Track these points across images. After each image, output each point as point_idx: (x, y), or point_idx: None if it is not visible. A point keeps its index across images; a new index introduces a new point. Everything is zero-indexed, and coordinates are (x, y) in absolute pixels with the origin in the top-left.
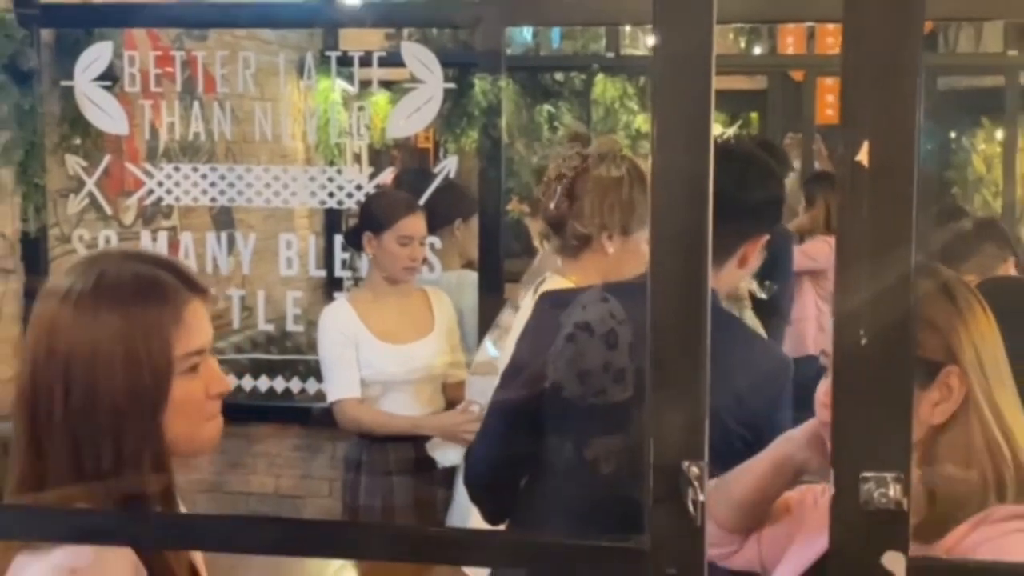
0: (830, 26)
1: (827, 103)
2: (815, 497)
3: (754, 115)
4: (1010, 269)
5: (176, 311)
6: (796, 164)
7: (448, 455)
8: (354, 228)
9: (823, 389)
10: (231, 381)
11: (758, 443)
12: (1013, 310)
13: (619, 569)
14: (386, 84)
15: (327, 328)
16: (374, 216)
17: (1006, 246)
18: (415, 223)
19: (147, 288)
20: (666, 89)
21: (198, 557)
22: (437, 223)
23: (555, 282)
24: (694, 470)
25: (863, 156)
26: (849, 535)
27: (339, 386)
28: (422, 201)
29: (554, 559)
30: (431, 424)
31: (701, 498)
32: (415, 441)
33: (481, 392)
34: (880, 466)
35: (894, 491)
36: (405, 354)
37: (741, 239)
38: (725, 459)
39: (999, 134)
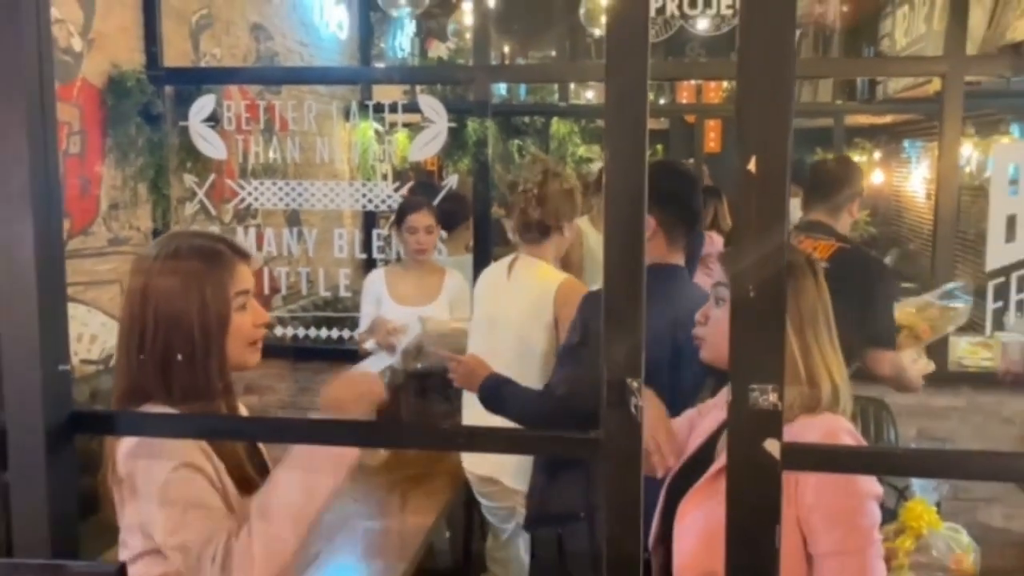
0: (712, 84)
1: (711, 138)
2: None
3: (660, 147)
4: None
5: (229, 268)
6: None
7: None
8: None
9: (700, 311)
10: (300, 332)
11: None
12: (850, 273)
13: (582, 453)
14: (406, 125)
15: (364, 286)
16: (396, 214)
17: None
18: (419, 218)
19: (208, 253)
20: (617, 121)
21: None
22: (451, 223)
23: (528, 260)
24: (635, 384)
25: (752, 166)
26: (742, 429)
27: (361, 326)
28: (435, 203)
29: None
30: (372, 326)
31: (640, 403)
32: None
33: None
34: (762, 380)
35: (772, 397)
36: (409, 314)
37: (689, 226)
38: (676, 362)
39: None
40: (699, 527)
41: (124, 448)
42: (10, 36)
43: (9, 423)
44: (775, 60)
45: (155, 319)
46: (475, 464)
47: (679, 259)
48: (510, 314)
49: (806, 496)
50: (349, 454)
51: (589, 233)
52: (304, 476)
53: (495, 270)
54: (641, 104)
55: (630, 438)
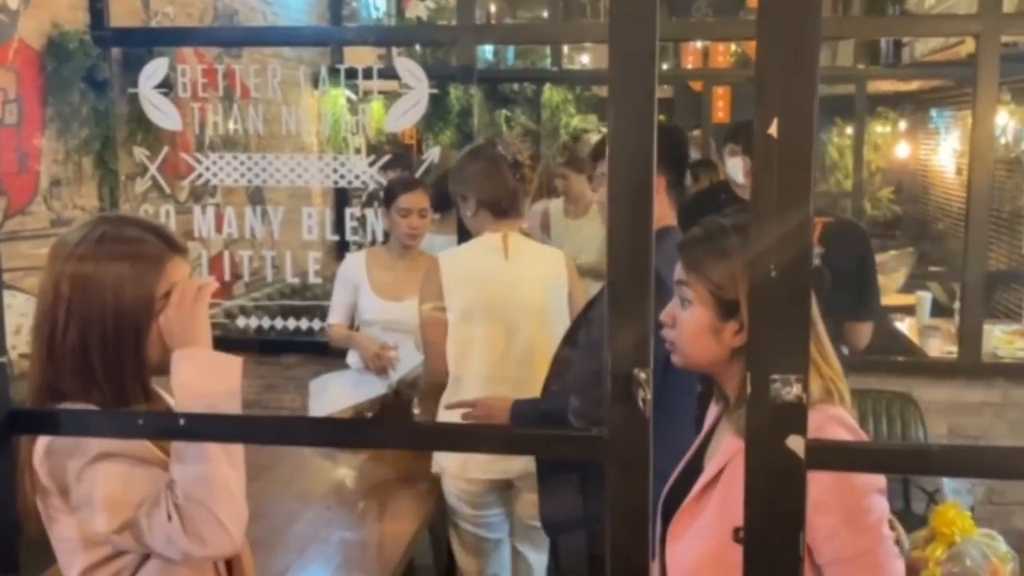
0: (720, 46)
1: (719, 107)
2: None
3: (663, 117)
4: None
5: (157, 264)
6: (696, 154)
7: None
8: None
9: (666, 311)
10: (265, 323)
11: None
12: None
13: (586, 453)
14: (381, 93)
15: (340, 270)
16: (385, 194)
17: None
18: (412, 198)
19: (134, 244)
20: (622, 86)
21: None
22: (443, 204)
23: (518, 236)
24: (642, 375)
25: (774, 129)
26: (762, 424)
27: (332, 314)
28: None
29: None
30: (360, 342)
31: (648, 397)
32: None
33: None
34: (785, 370)
35: (796, 389)
36: (390, 309)
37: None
38: None
39: (849, 130)
40: (697, 542)
41: (38, 454)
42: None
43: None
44: (800, 6)
45: (68, 313)
46: (487, 469)
47: (674, 220)
48: (523, 294)
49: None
50: (235, 376)
51: (556, 218)
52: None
53: (484, 252)
54: (649, 67)
55: (638, 434)
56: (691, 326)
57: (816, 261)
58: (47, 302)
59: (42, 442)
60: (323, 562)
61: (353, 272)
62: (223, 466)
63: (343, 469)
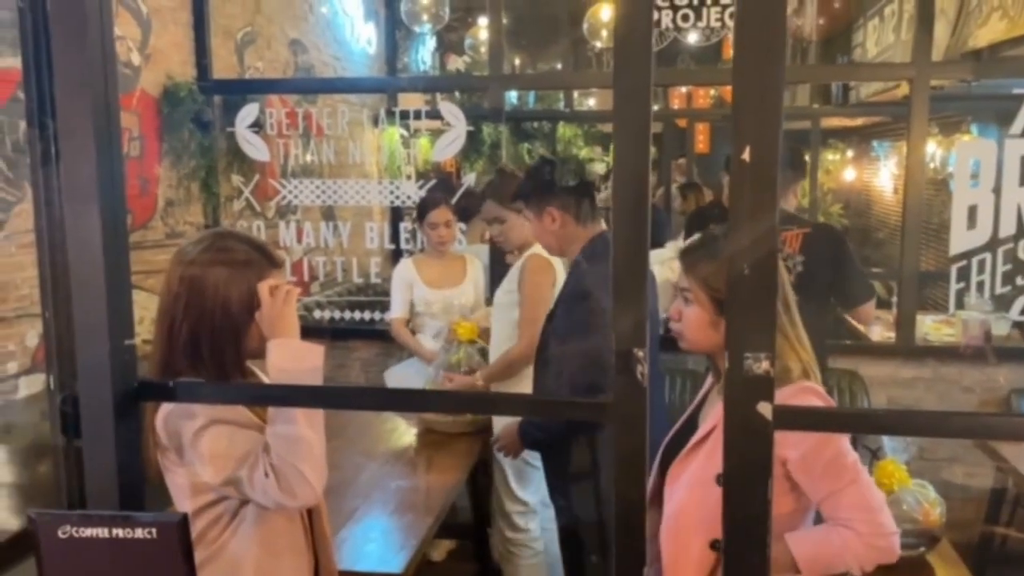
0: (700, 91)
1: (700, 140)
2: None
3: (654, 148)
4: None
5: (259, 276)
6: (681, 178)
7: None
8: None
9: (673, 308)
10: (336, 315)
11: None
12: (822, 251)
13: (594, 416)
14: (427, 130)
15: (395, 274)
16: (418, 211)
17: None
18: (438, 214)
19: (242, 259)
20: (624, 121)
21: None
22: (468, 216)
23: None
24: (640, 353)
25: (746, 155)
26: (738, 393)
27: (393, 310)
28: (453, 201)
29: (551, 410)
30: (422, 353)
31: (645, 371)
32: None
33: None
34: (756, 349)
35: (765, 364)
36: (440, 296)
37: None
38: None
39: (806, 158)
40: (690, 486)
41: (160, 419)
42: (79, 49)
43: (81, 392)
44: (768, 53)
45: (184, 309)
46: None
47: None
48: None
49: (791, 454)
50: (318, 359)
51: None
52: (292, 374)
53: (549, 258)
54: (645, 105)
55: (636, 402)
56: (693, 321)
57: (799, 268)
58: (168, 299)
59: (163, 409)
60: (383, 505)
61: (407, 274)
62: (308, 430)
63: (399, 431)
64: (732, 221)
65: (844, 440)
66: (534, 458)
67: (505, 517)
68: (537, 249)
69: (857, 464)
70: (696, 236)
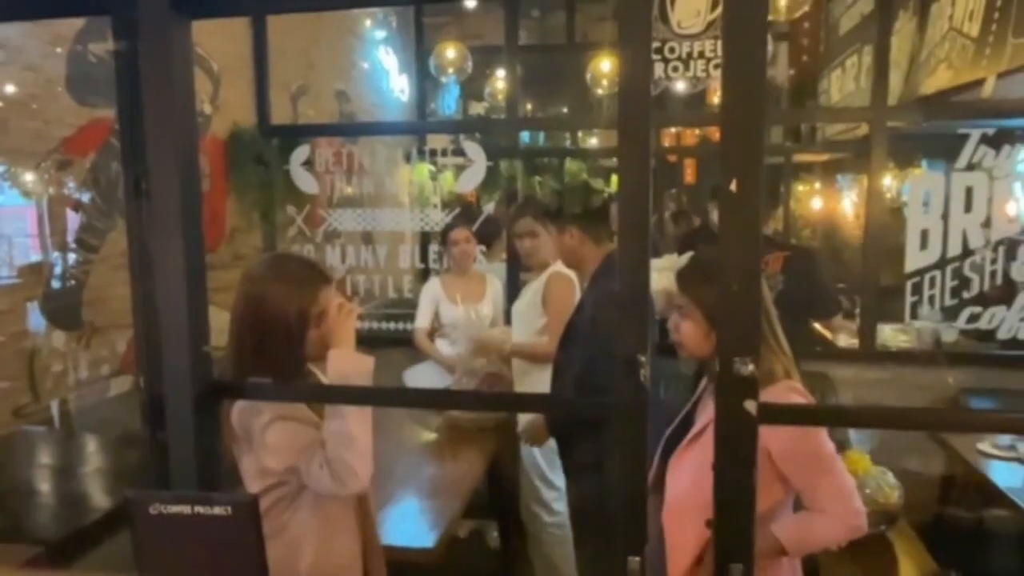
0: (688, 131)
1: (688, 172)
2: None
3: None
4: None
5: (313, 292)
6: (672, 206)
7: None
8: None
9: (672, 321)
10: (375, 325)
11: None
12: (800, 273)
13: (599, 415)
14: (453, 166)
15: (424, 290)
16: (442, 234)
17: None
18: (458, 232)
19: (299, 279)
20: (628, 155)
21: None
22: (488, 239)
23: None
24: (642, 358)
25: (734, 186)
26: (728, 392)
27: (418, 321)
28: (475, 228)
29: (567, 408)
30: (440, 359)
31: (647, 374)
32: None
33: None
34: (743, 353)
35: (750, 367)
36: (463, 311)
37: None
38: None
39: (781, 189)
40: (688, 473)
41: (234, 414)
42: (168, 100)
43: (167, 391)
44: (751, 99)
45: (254, 321)
46: None
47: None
48: None
49: (776, 446)
50: (367, 377)
51: None
52: (349, 377)
53: (569, 274)
54: (646, 143)
55: (638, 402)
56: (689, 333)
57: (779, 287)
58: (238, 312)
59: (236, 406)
60: (416, 491)
61: (434, 290)
62: (357, 427)
63: (430, 425)
64: (721, 244)
65: (822, 433)
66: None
67: (543, 504)
68: (559, 267)
69: (833, 455)
70: (689, 259)
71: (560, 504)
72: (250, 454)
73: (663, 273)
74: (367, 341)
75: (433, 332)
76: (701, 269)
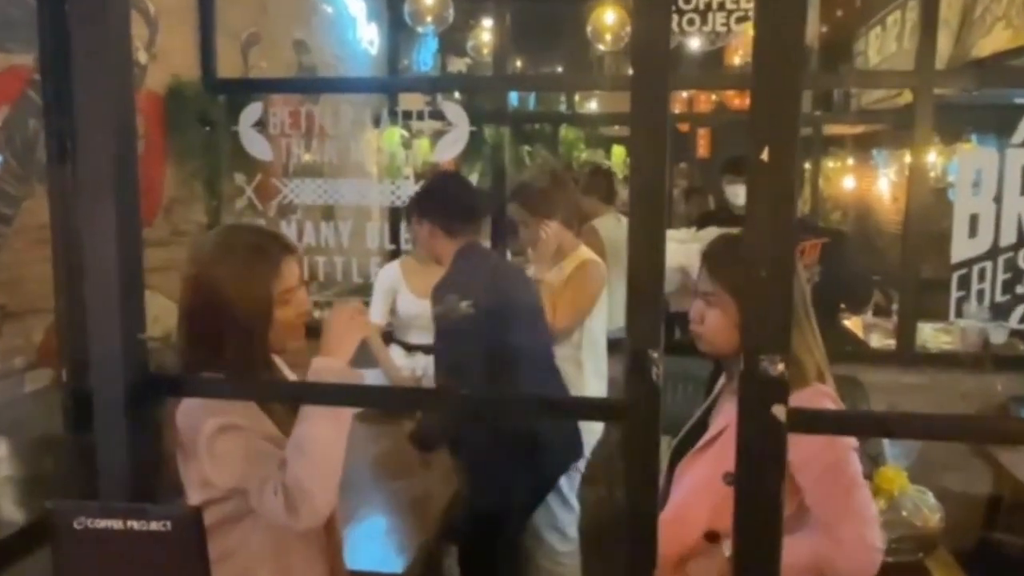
0: (702, 95)
1: (701, 145)
2: None
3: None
4: None
5: (275, 267)
6: (682, 182)
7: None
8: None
9: (694, 310)
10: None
11: None
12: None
13: (608, 416)
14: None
15: (379, 277)
16: (406, 210)
17: None
18: None
19: (256, 251)
20: (641, 125)
21: None
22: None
23: None
24: (655, 354)
25: (765, 155)
26: (752, 395)
27: (372, 313)
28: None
29: (569, 411)
30: (387, 368)
31: (660, 371)
32: None
33: None
34: (771, 351)
35: (780, 367)
36: (423, 305)
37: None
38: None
39: (807, 165)
40: (691, 482)
41: (180, 411)
42: (100, 43)
43: (94, 386)
44: (788, 54)
45: (208, 305)
46: None
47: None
48: None
49: (795, 453)
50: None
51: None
52: (323, 422)
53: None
54: (663, 108)
55: (650, 403)
56: (716, 324)
57: (816, 279)
58: (187, 302)
59: (183, 406)
60: (383, 507)
61: (392, 280)
62: (331, 451)
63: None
64: (749, 222)
65: (848, 449)
66: (581, 464)
67: (556, 530)
68: (590, 254)
69: (858, 475)
70: (719, 237)
71: (574, 529)
72: (193, 463)
73: (678, 248)
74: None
75: (389, 333)
76: (733, 248)
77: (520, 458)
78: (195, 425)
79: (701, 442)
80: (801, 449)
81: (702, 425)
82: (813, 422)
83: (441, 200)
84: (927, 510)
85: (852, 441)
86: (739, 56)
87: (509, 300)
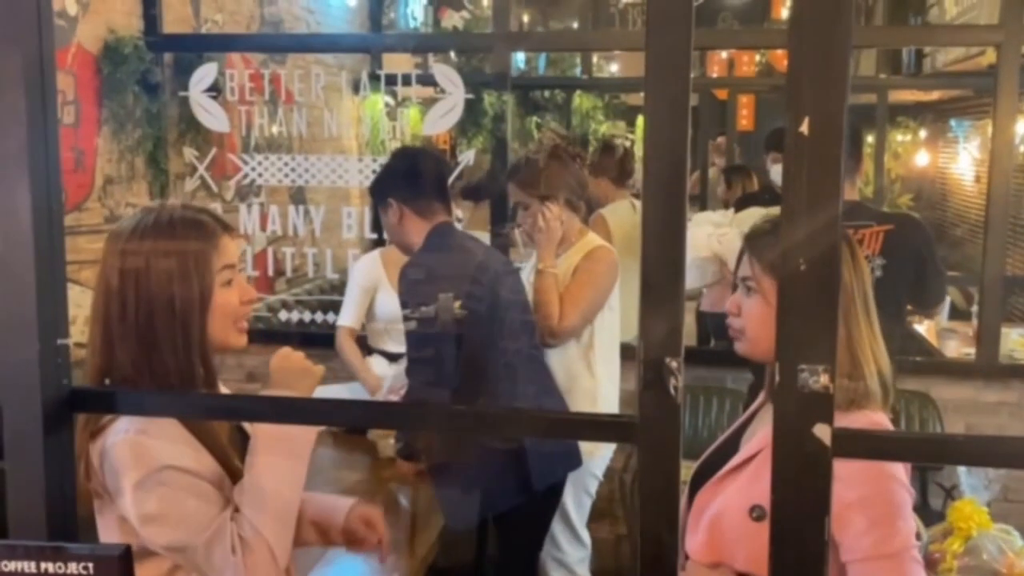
0: (744, 56)
1: (744, 115)
2: None
3: None
4: None
5: (212, 240)
6: (720, 160)
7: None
8: None
9: (731, 300)
10: (307, 317)
11: None
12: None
13: (618, 437)
14: (418, 99)
15: (356, 271)
16: None
17: None
18: None
19: (189, 224)
20: (657, 91)
21: (247, 426)
22: (477, 195)
23: None
24: (674, 364)
25: (804, 128)
26: (789, 413)
27: (344, 316)
28: (450, 181)
29: (573, 430)
30: (365, 378)
31: (680, 385)
32: None
33: None
34: (813, 360)
35: (823, 379)
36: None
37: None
38: None
39: (870, 139)
40: (715, 514)
41: (98, 449)
42: None
43: (4, 402)
44: (830, 12)
45: (133, 295)
46: None
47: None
48: None
49: (842, 492)
50: (312, 433)
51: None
52: (278, 459)
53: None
54: (684, 69)
55: (668, 420)
56: (757, 315)
57: (877, 273)
58: (109, 285)
59: (103, 437)
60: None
61: (371, 276)
62: (287, 491)
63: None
64: (785, 206)
65: (900, 473)
66: (592, 486)
67: (562, 566)
68: (599, 240)
69: (912, 536)
70: (763, 218)
71: (585, 568)
72: (114, 509)
73: (713, 233)
74: (298, 339)
75: (361, 337)
76: (777, 231)
77: (501, 462)
78: (121, 467)
79: (728, 466)
80: (842, 467)
81: (732, 446)
82: (864, 445)
83: (409, 175)
84: (1012, 553)
85: (905, 477)
86: (788, 8)
87: (492, 289)
